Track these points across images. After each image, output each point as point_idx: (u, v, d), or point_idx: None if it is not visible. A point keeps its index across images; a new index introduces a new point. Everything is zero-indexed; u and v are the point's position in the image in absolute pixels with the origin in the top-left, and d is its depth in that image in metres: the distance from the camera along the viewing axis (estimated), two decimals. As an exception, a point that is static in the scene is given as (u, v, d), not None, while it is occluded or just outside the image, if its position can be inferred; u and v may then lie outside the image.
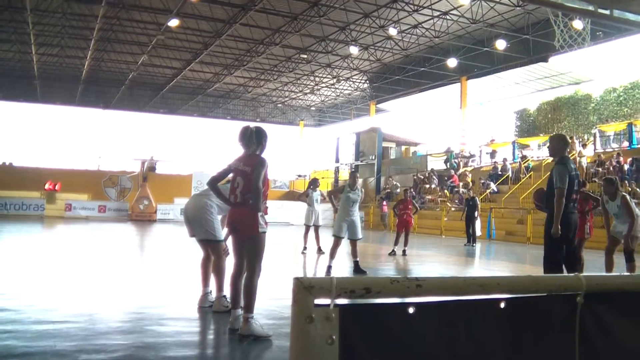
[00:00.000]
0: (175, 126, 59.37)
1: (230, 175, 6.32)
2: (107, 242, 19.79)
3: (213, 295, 7.26)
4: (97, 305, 7.39)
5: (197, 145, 59.37)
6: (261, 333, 5.77)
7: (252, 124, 6.43)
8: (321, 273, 11.96)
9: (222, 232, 7.15)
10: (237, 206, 6.09)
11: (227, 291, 6.77)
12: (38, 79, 47.23)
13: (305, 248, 16.12)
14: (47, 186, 36.86)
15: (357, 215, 11.74)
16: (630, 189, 21.95)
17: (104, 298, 8.07)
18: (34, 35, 35.89)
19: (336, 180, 46.77)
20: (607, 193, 10.22)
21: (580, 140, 30.23)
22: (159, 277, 10.77)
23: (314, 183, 17.24)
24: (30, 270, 10.83)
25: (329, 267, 11.42)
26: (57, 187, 37.08)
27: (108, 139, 55.01)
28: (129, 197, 39.17)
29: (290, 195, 42.44)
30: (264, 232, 6.01)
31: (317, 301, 1.77)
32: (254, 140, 6.15)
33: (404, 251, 16.62)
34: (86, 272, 10.97)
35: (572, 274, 2.15)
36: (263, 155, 6.19)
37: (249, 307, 5.85)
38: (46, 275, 10.17)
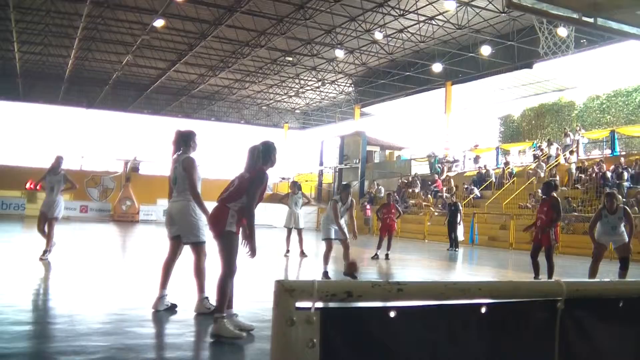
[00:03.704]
0: (159, 127, 58.94)
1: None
2: (89, 242, 19.65)
3: (168, 299, 7.22)
4: (78, 307, 7.33)
5: (180, 147, 58.97)
6: (230, 334, 5.74)
7: (260, 132, 6.54)
8: (304, 277, 11.93)
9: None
10: (219, 202, 6.16)
11: (208, 293, 6.75)
12: (20, 77, 46.86)
13: (287, 251, 16.11)
14: (27, 185, 36.51)
15: (342, 220, 11.67)
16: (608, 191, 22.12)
17: (85, 299, 8.01)
18: (17, 33, 35.60)
19: (320, 183, 46.74)
20: (608, 207, 10.33)
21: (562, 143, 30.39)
22: (141, 278, 10.70)
23: (293, 185, 17.31)
24: (9, 270, 10.72)
25: (325, 273, 11.25)
26: (38, 187, 36.67)
27: (91, 139, 54.59)
28: (111, 197, 38.90)
29: (274, 198, 42.35)
30: (232, 232, 5.99)
31: (299, 304, 1.76)
32: (260, 158, 6.24)
33: (386, 255, 16.67)
34: (67, 272, 10.88)
35: (552, 280, 2.17)
36: (271, 169, 6.28)
37: (219, 307, 5.85)
38: (26, 275, 10.08)
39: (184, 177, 7.04)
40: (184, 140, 7.23)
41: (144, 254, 16.45)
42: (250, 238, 5.98)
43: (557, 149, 30.15)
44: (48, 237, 12.16)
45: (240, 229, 6.10)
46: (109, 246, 18.92)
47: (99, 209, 37.37)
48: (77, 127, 55.16)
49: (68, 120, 55.74)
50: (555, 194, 12.21)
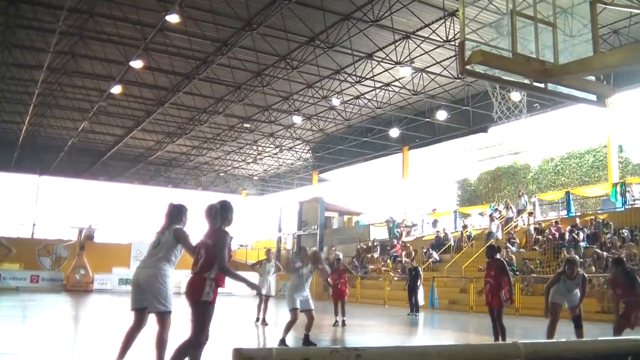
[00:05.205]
0: (115, 194, 58.16)
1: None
2: (39, 314, 19.09)
3: None
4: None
5: (137, 214, 58.18)
6: None
7: (217, 198, 6.69)
8: (264, 344, 11.71)
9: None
10: (194, 274, 6.26)
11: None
12: (-29, 144, 46.13)
13: (257, 319, 16.00)
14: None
15: (308, 290, 11.43)
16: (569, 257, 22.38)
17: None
18: (-30, 100, 35.26)
19: (278, 249, 46.46)
20: (569, 274, 10.60)
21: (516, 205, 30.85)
22: (94, 351, 10.39)
23: (268, 253, 17.62)
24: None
25: (283, 341, 10.78)
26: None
27: (44, 206, 53.51)
28: (64, 266, 38.01)
29: (232, 266, 41.85)
30: (208, 302, 6.00)
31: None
32: (218, 216, 6.43)
33: (343, 321, 16.55)
34: (14, 347, 10.52)
35: (510, 342, 2.16)
36: (228, 228, 6.48)
37: None
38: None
39: (169, 246, 7.00)
40: (177, 214, 7.29)
41: (97, 325, 16.01)
42: (243, 282, 6.70)
43: (513, 211, 30.62)
44: None
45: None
46: (60, 317, 18.38)
47: (51, 279, 36.36)
48: (30, 194, 54.09)
49: (20, 187, 54.69)
50: (499, 256, 12.56)
